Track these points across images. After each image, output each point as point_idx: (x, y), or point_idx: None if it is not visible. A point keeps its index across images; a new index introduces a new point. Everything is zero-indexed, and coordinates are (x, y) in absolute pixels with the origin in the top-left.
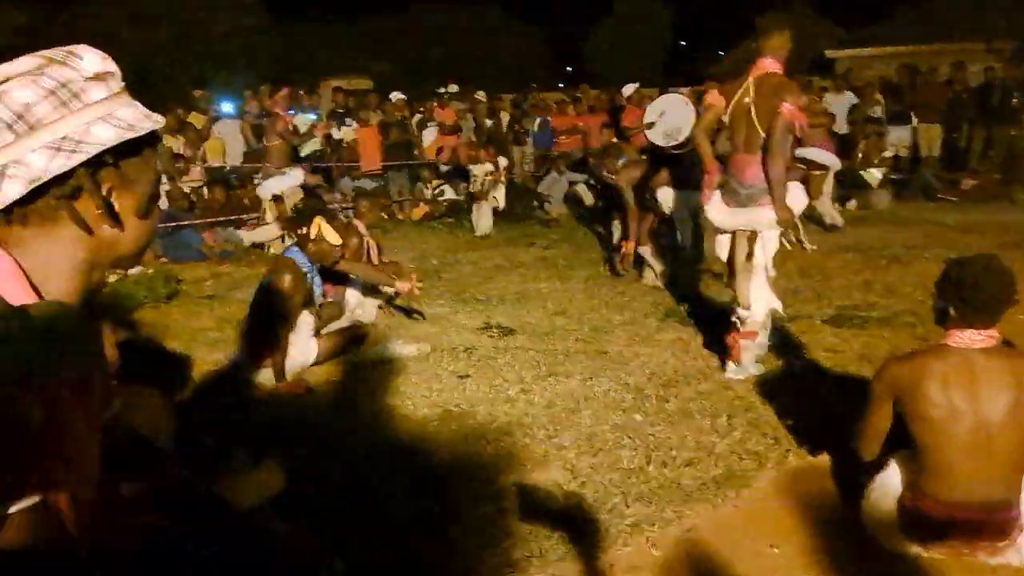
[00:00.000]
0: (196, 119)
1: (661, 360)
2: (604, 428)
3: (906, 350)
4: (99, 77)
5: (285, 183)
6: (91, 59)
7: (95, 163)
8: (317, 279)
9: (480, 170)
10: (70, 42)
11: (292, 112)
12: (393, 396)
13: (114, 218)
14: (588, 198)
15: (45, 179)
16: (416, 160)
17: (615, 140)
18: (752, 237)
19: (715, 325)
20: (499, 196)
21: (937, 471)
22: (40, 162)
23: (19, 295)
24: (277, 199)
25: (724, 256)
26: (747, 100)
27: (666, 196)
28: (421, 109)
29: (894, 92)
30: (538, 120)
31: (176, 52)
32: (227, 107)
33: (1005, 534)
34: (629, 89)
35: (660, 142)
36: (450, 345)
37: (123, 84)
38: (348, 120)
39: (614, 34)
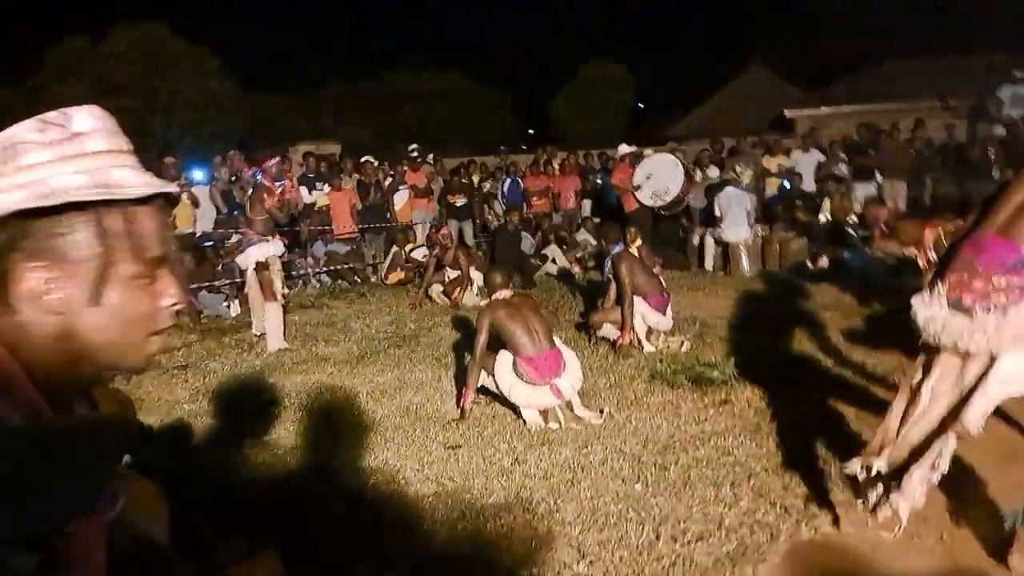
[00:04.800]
0: None
1: (655, 425)
2: (606, 500)
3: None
4: (77, 135)
5: (268, 251)
6: (81, 118)
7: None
8: None
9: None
10: (32, 111)
11: (280, 183)
12: (383, 471)
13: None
14: (561, 260)
15: None
16: (389, 223)
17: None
18: None
19: (701, 386)
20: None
21: None
22: None
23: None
24: (260, 266)
25: None
26: None
27: None
28: (392, 173)
29: (857, 150)
30: (508, 181)
31: (144, 120)
32: (197, 174)
33: None
34: (624, 149)
35: (648, 202)
36: (436, 413)
37: (111, 146)
38: (319, 184)
39: (578, 97)
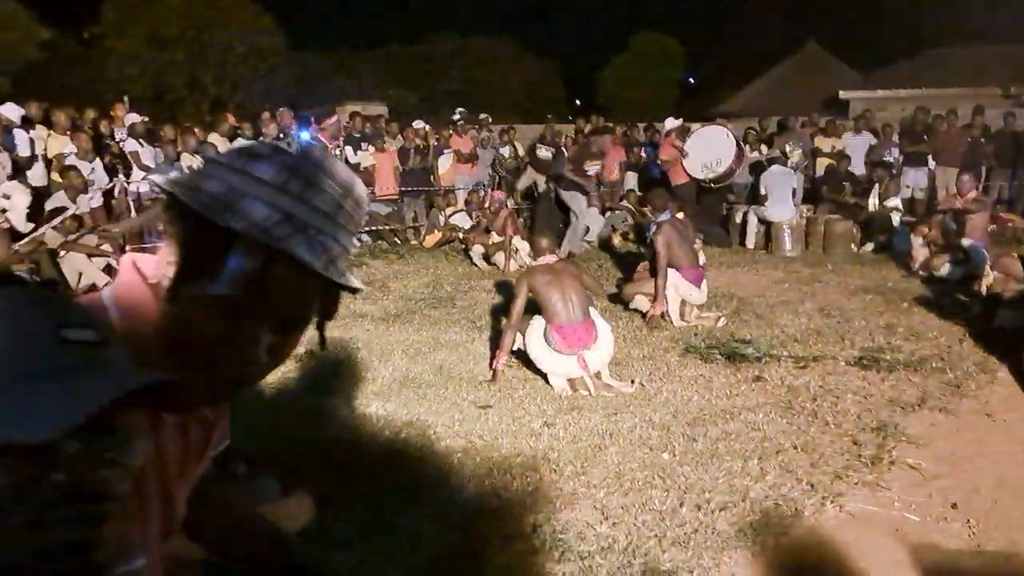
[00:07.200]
0: (218, 141)
1: (685, 398)
2: (632, 466)
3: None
4: None
5: None
6: None
7: None
8: None
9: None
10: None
11: (336, 142)
12: (415, 425)
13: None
14: (602, 230)
15: None
16: (432, 187)
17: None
18: None
19: (734, 362)
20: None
21: None
22: None
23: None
24: None
25: None
26: None
27: None
28: (438, 137)
29: (911, 135)
30: (552, 151)
31: (193, 74)
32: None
33: None
34: (673, 123)
35: (699, 175)
36: (469, 374)
37: None
38: (364, 144)
39: (627, 69)
